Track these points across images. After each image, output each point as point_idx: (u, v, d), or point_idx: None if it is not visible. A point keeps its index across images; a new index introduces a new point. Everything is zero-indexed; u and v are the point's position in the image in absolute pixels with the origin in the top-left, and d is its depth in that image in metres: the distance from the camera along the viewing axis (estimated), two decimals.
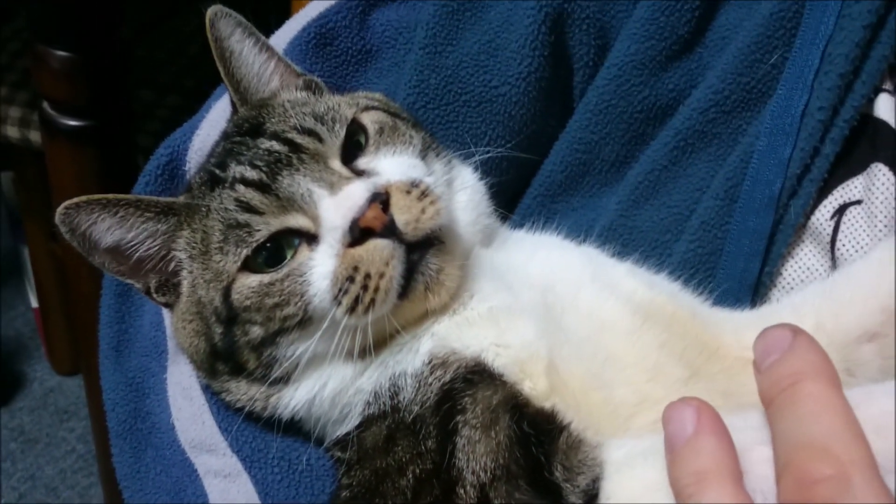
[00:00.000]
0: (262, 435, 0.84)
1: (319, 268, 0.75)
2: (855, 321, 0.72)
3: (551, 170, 1.00)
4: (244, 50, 0.87)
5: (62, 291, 2.27)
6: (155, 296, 0.85)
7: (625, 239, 0.92)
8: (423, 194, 0.75)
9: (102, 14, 1.53)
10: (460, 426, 0.69)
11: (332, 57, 1.03)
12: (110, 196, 0.80)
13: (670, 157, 0.92)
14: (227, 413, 0.86)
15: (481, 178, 0.90)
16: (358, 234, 0.73)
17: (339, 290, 0.73)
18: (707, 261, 0.87)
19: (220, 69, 0.86)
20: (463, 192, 0.85)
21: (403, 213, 0.73)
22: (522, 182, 1.03)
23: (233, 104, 0.89)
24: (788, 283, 0.85)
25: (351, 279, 0.73)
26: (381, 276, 0.72)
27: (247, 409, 0.81)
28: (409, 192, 0.75)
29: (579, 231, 0.92)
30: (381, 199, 0.73)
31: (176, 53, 2.21)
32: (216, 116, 1.02)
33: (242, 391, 0.81)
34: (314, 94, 0.89)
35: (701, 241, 0.88)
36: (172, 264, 0.84)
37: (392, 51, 1.05)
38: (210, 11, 0.85)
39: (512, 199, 1.02)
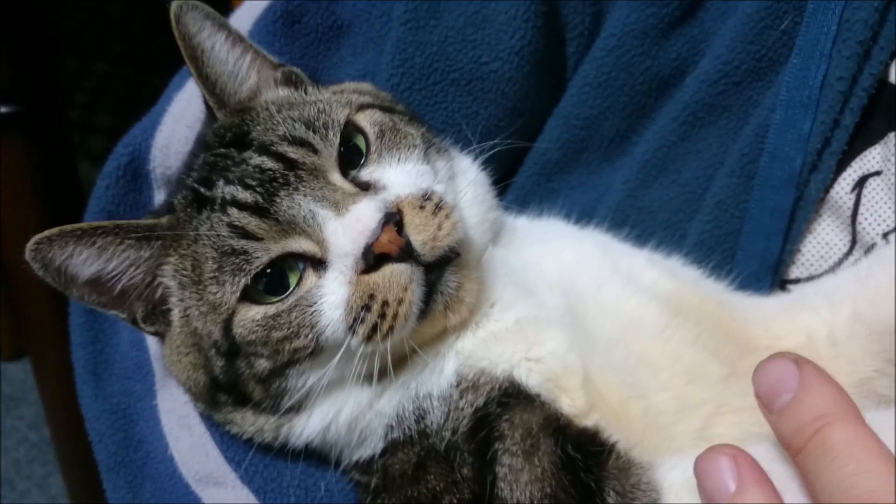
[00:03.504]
0: (273, 463, 0.78)
1: (331, 296, 0.68)
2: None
3: (546, 147, 0.94)
4: (216, 46, 0.78)
5: None
6: (143, 325, 0.77)
7: (634, 220, 0.88)
8: (438, 207, 0.69)
9: None
10: (500, 454, 0.65)
11: (301, 36, 0.94)
12: (85, 225, 0.72)
13: (679, 133, 0.87)
14: (231, 442, 0.80)
15: (482, 169, 0.84)
16: (373, 260, 0.67)
17: (355, 319, 0.67)
18: (725, 241, 0.84)
19: (192, 70, 0.77)
20: (468, 189, 0.79)
21: (420, 233, 0.67)
22: (513, 160, 0.97)
23: (208, 107, 0.80)
24: (808, 260, 0.82)
25: (367, 307, 0.67)
26: (400, 302, 0.67)
27: (256, 440, 0.76)
28: (422, 208, 0.68)
29: (582, 212, 0.87)
30: (394, 219, 0.67)
31: (95, 14, 2.04)
32: (179, 110, 0.93)
33: (249, 422, 0.76)
34: (297, 88, 0.81)
35: (717, 221, 0.84)
36: (159, 291, 0.76)
37: (366, 25, 0.96)
38: (175, 5, 0.75)
39: (501, 179, 0.97)
